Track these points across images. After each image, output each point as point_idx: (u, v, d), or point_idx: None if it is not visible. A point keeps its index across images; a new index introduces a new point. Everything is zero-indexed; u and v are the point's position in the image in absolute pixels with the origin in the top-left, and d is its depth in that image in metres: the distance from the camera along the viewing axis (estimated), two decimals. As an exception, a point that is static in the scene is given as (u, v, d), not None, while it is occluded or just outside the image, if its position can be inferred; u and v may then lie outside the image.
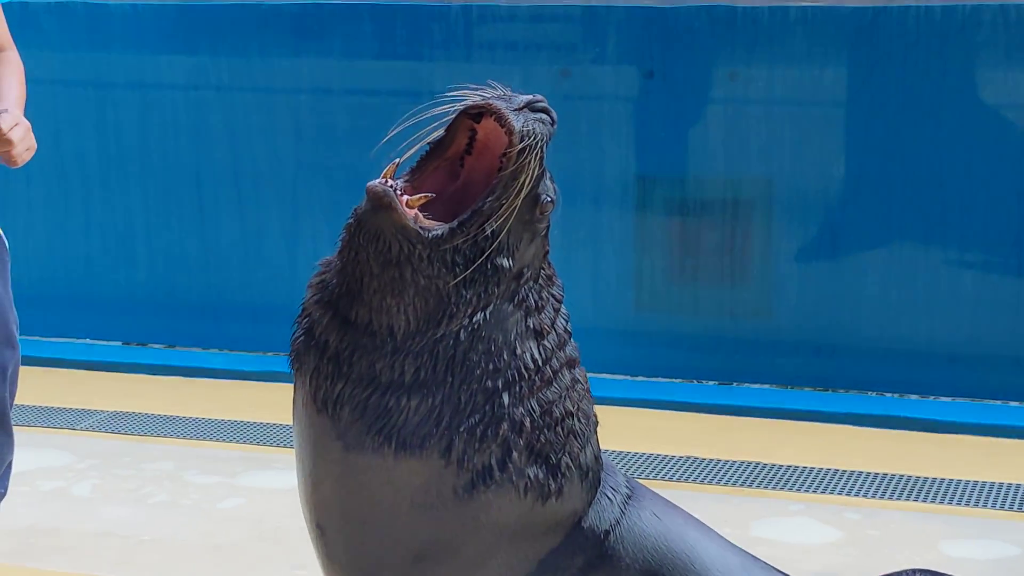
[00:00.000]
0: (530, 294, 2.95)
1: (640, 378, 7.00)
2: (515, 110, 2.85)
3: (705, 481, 5.75)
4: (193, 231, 7.63)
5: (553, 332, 2.97)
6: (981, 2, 6.48)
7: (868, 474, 5.81)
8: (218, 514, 5.47)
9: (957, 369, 6.74)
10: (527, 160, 2.83)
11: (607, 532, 3.05)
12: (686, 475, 5.80)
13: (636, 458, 5.96)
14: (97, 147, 7.71)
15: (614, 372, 6.96)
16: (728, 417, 6.54)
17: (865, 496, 5.61)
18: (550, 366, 2.95)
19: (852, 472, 5.84)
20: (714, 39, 6.82)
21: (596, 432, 3.09)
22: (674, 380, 6.94)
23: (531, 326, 2.93)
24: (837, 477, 5.79)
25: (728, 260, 6.91)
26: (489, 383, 2.88)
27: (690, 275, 6.97)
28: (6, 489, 4.34)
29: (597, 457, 3.07)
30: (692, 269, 6.97)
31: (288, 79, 7.42)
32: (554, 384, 2.95)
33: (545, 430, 2.92)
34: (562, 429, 2.95)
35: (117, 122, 7.67)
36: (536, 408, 2.91)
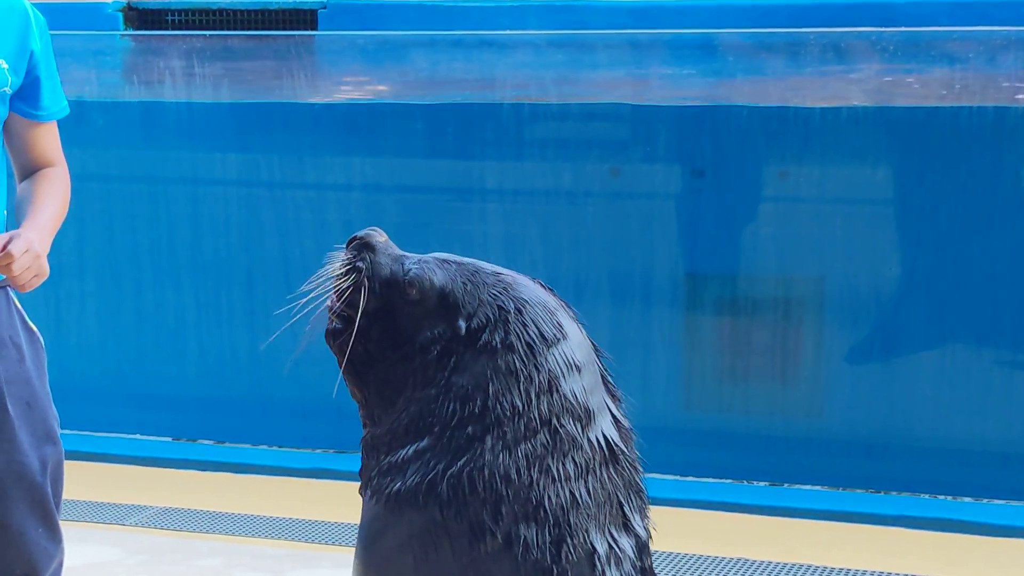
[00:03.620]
0: (494, 336, 3.02)
1: (690, 478, 6.94)
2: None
3: (756, 583, 5.70)
4: (243, 327, 7.65)
5: (536, 370, 3.00)
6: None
7: (921, 577, 5.75)
8: (265, 612, 5.46)
9: (1011, 470, 6.66)
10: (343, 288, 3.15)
11: None
12: (737, 577, 5.75)
13: (686, 559, 5.90)
14: (149, 243, 7.76)
15: (664, 472, 6.89)
16: (779, 518, 6.48)
17: (918, 600, 5.54)
18: (538, 412, 2.97)
19: (905, 575, 5.76)
20: (765, 138, 6.83)
21: (617, 515, 3.06)
22: (724, 480, 6.89)
23: (502, 366, 2.98)
24: (890, 580, 5.72)
25: (779, 359, 6.87)
26: (468, 429, 2.98)
27: (741, 374, 6.94)
28: None
29: (616, 554, 3.04)
30: (743, 368, 6.94)
31: (339, 176, 7.46)
32: (542, 434, 2.97)
33: (537, 486, 2.93)
34: (564, 492, 2.96)
35: (170, 218, 7.73)
36: (522, 459, 2.93)
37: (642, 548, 3.10)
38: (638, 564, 3.08)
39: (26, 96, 3.79)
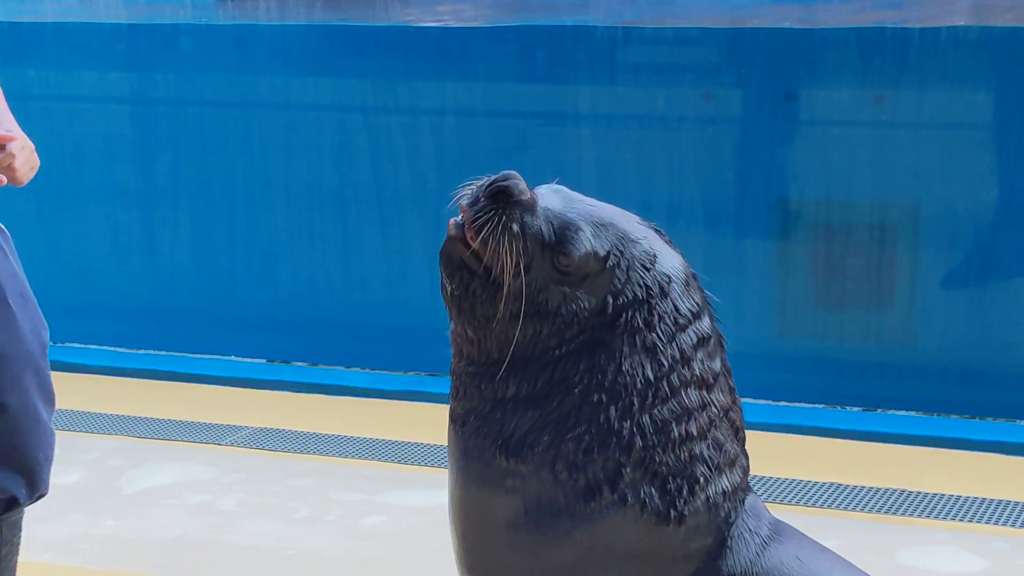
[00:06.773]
0: (636, 315, 2.93)
1: (783, 403, 6.92)
2: (472, 206, 2.90)
3: (850, 508, 5.68)
4: (336, 250, 7.69)
5: (672, 347, 2.94)
6: None
7: (1016, 503, 5.70)
8: (360, 530, 5.51)
9: (1109, 397, 6.60)
10: (495, 250, 2.88)
11: (743, 573, 2.99)
12: (830, 501, 5.73)
13: (779, 483, 5.90)
14: (243, 167, 7.80)
15: (757, 397, 6.88)
16: (873, 444, 6.46)
17: (1013, 526, 5.50)
18: (668, 383, 2.92)
19: (1000, 501, 5.73)
20: (862, 61, 6.74)
21: (738, 467, 3.02)
22: (818, 406, 6.86)
23: (639, 343, 2.92)
24: (984, 506, 5.69)
25: (874, 285, 6.82)
26: (594, 397, 2.90)
27: (835, 300, 6.89)
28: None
29: (732, 492, 3.00)
30: (837, 294, 6.89)
31: (432, 100, 7.46)
32: (671, 402, 2.92)
33: (659, 449, 2.90)
34: (684, 452, 2.92)
35: (263, 142, 7.76)
36: (649, 425, 2.89)
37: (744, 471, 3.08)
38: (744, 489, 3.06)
39: None
